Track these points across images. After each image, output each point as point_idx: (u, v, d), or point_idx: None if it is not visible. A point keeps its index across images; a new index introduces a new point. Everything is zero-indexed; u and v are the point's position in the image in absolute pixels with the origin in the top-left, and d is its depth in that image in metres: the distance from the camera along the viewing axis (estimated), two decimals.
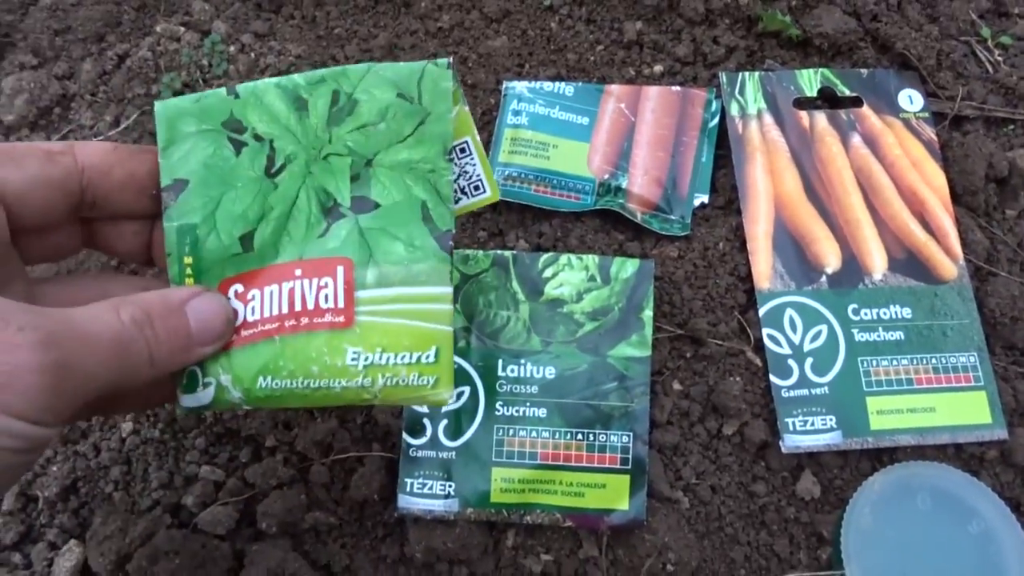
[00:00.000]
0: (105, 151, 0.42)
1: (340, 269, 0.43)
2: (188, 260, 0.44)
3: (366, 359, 0.42)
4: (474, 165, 0.47)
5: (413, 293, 0.43)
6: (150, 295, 0.39)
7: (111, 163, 0.42)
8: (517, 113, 0.67)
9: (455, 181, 0.46)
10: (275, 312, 0.42)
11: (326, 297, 0.43)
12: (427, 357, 0.43)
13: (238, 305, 0.43)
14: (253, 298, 0.43)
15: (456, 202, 0.46)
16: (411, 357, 0.43)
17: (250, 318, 0.43)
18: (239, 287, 0.43)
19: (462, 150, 0.47)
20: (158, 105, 0.45)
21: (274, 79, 0.46)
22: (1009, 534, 0.51)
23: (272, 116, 0.45)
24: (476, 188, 0.47)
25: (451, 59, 0.45)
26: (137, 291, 0.40)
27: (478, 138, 0.47)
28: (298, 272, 0.43)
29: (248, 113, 0.45)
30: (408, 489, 0.55)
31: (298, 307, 0.42)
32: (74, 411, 0.35)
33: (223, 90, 0.45)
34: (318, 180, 0.44)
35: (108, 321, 0.36)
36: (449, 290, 0.43)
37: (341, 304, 0.42)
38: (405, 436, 0.56)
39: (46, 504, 0.57)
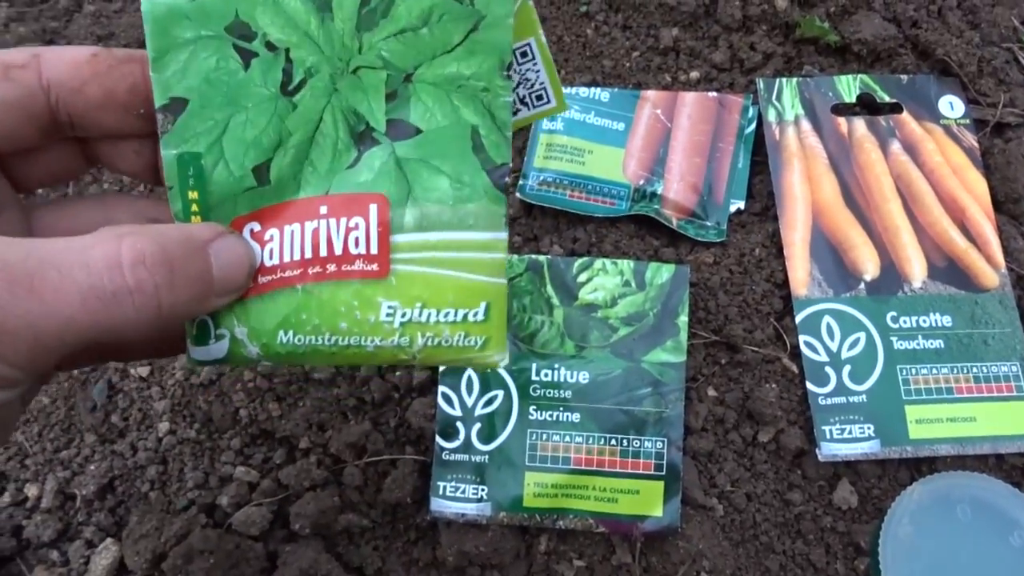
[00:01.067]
0: (77, 63, 0.35)
1: (373, 208, 0.36)
2: (193, 195, 0.37)
3: (403, 315, 0.37)
4: (537, 71, 0.40)
5: (460, 239, 0.37)
6: (169, 230, 0.33)
7: (84, 78, 0.35)
8: (552, 119, 0.67)
9: (515, 90, 0.39)
10: (297, 256, 0.36)
11: (356, 240, 0.36)
12: (475, 314, 0.37)
13: (254, 245, 0.37)
14: (271, 239, 0.37)
15: (515, 113, 0.40)
16: (456, 314, 0.37)
17: (268, 262, 0.36)
18: (255, 225, 0.37)
19: (523, 54, 0.39)
20: (144, 3, 0.36)
21: None
22: None
23: (288, 19, 0.37)
24: (539, 98, 0.40)
25: None
26: (144, 217, 0.37)
27: (543, 38, 0.39)
28: (323, 210, 0.37)
29: (258, 15, 0.36)
30: (441, 492, 0.55)
31: (324, 251, 0.36)
32: (51, 363, 0.31)
33: None
34: (346, 99, 0.37)
35: (102, 255, 0.30)
36: (503, 236, 0.37)
37: (374, 249, 0.36)
38: (438, 439, 0.56)
39: (83, 502, 0.58)
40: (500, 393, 0.56)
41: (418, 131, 0.37)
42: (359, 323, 0.36)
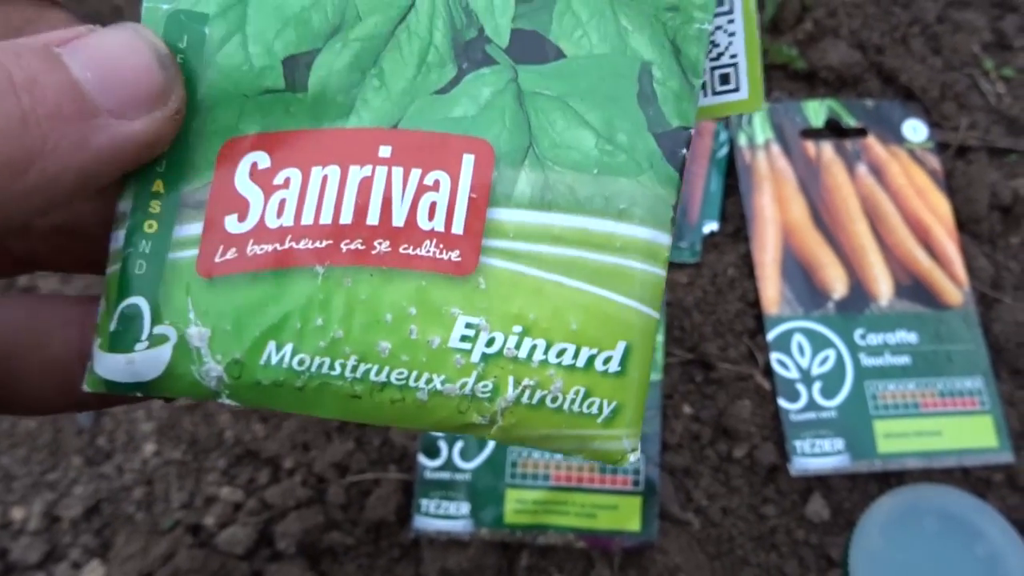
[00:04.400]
0: None
1: (468, 160, 0.23)
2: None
3: (490, 343, 0.22)
4: (732, 35, 0.26)
5: (603, 232, 0.23)
6: None
7: None
8: None
9: (706, 62, 0.26)
10: (327, 220, 0.22)
11: (432, 209, 0.22)
12: (608, 361, 0.23)
13: (253, 191, 0.22)
14: (286, 183, 0.22)
15: (704, 94, 0.27)
16: (578, 355, 0.22)
17: (272, 222, 0.22)
18: (261, 157, 0.22)
19: (724, 6, 0.26)
20: None
21: None
22: (1015, 557, 0.52)
23: None
24: (724, 80, 0.26)
25: None
26: None
27: None
28: (385, 152, 0.22)
29: None
30: (424, 510, 0.56)
31: (374, 219, 0.22)
32: None
33: None
34: None
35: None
36: (668, 241, 0.23)
37: (458, 228, 0.22)
38: (421, 458, 0.57)
39: (70, 524, 0.58)
40: None
41: (560, 54, 0.23)
42: (413, 346, 0.22)
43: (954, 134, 0.68)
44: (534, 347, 0.22)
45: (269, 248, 0.22)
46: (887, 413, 0.59)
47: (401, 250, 0.22)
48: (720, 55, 0.26)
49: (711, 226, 0.66)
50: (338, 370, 0.22)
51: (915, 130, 0.68)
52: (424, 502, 0.56)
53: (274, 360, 0.22)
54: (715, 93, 0.26)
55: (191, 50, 0.22)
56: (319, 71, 0.22)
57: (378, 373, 0.22)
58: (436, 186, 0.22)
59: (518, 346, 0.22)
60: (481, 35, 0.23)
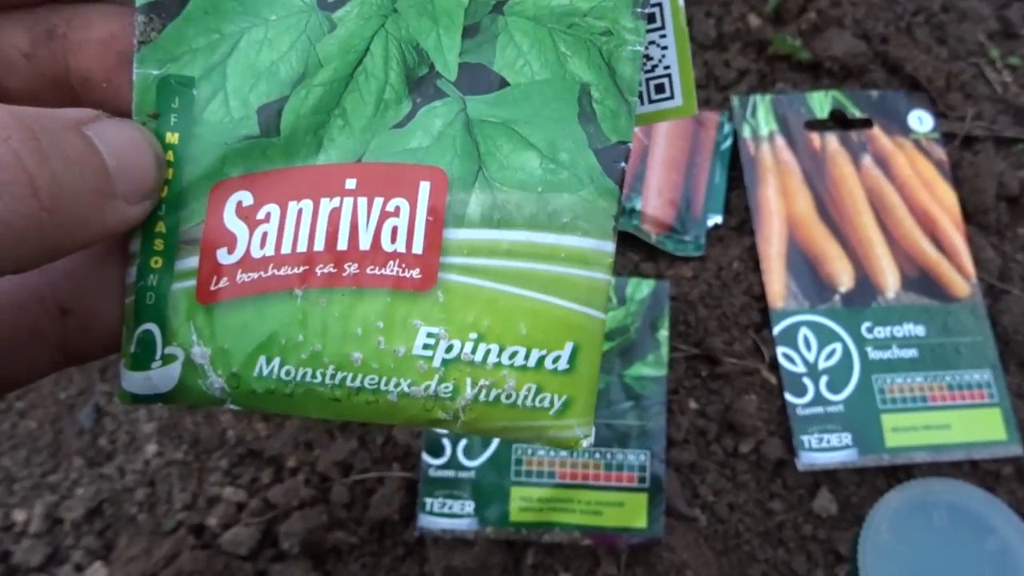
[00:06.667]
0: None
1: (424, 187, 0.25)
2: (172, 138, 0.25)
3: (449, 349, 0.25)
4: (665, 48, 0.28)
5: (548, 244, 0.25)
6: (21, 108, 0.21)
7: None
8: None
9: (641, 74, 0.28)
10: (303, 248, 0.25)
11: (395, 232, 0.25)
12: (556, 360, 0.25)
13: (239, 226, 0.25)
14: (267, 218, 0.25)
15: (641, 103, 0.29)
16: (528, 356, 0.25)
17: (256, 253, 0.25)
18: (245, 197, 0.26)
19: (650, 16, 0.28)
20: None
21: None
22: None
23: None
24: (660, 89, 0.28)
25: None
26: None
27: (682, 1, 0.28)
28: (351, 184, 0.26)
29: None
30: (428, 509, 0.55)
31: (343, 244, 0.25)
32: None
33: None
34: (407, 26, 0.26)
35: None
36: (610, 248, 0.26)
37: (418, 248, 0.25)
38: (425, 456, 0.57)
39: (72, 526, 0.58)
40: None
41: (503, 83, 0.26)
42: (382, 355, 0.25)
43: (960, 124, 0.68)
44: (488, 351, 0.25)
45: (255, 276, 0.25)
46: (895, 407, 0.58)
47: (368, 271, 0.25)
48: (655, 67, 0.28)
49: (715, 219, 0.65)
50: (319, 378, 0.25)
51: (921, 121, 0.67)
52: (428, 501, 0.56)
53: (265, 372, 0.25)
54: (651, 102, 0.29)
55: (182, 109, 0.25)
56: (288, 116, 0.26)
57: (353, 380, 0.25)
58: (397, 212, 0.25)
59: (474, 351, 0.25)
60: (432, 71, 0.26)
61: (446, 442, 0.57)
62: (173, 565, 0.54)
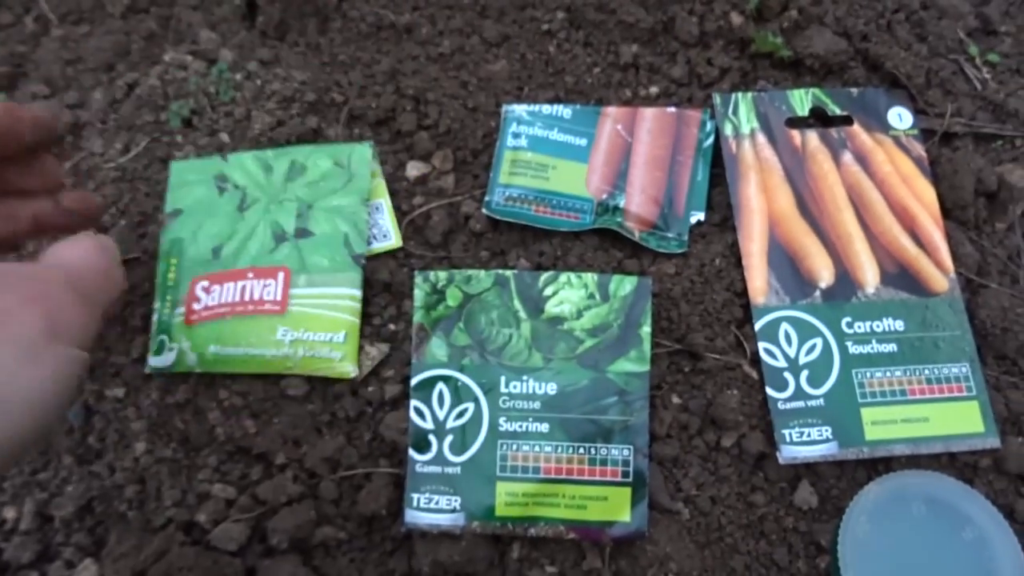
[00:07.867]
0: None
1: (281, 274, 0.61)
2: (173, 260, 0.63)
3: (292, 336, 0.59)
4: (385, 220, 0.65)
5: (332, 292, 0.60)
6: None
7: None
8: (517, 135, 0.68)
9: (370, 231, 0.64)
10: (229, 299, 0.60)
11: (268, 292, 0.60)
12: (337, 338, 0.59)
13: (203, 295, 0.61)
14: (216, 289, 0.61)
15: (369, 244, 0.63)
16: (325, 336, 0.59)
17: (210, 303, 0.61)
18: (205, 282, 0.62)
19: (377, 208, 0.65)
20: (173, 164, 0.67)
21: (252, 151, 0.66)
22: (1002, 541, 0.52)
23: (248, 174, 0.65)
24: (384, 236, 0.65)
25: (372, 143, 0.67)
26: None
27: (390, 202, 0.66)
28: (250, 275, 0.61)
29: (232, 171, 0.66)
30: (415, 504, 0.56)
31: (247, 297, 0.60)
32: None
33: (218, 155, 0.66)
34: (274, 216, 0.63)
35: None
36: (358, 292, 0.61)
37: (279, 297, 0.60)
38: (411, 452, 0.57)
39: (62, 523, 0.58)
40: (471, 406, 0.58)
41: (312, 234, 0.63)
42: (263, 340, 0.59)
43: (939, 121, 0.68)
44: (309, 335, 0.59)
45: (211, 312, 0.61)
46: (874, 400, 0.59)
47: (258, 308, 0.60)
48: (383, 228, 0.65)
49: (698, 216, 0.66)
50: (236, 353, 0.60)
51: (900, 117, 0.68)
52: (415, 496, 0.56)
53: (213, 352, 0.60)
54: (381, 241, 0.64)
55: (178, 249, 0.64)
56: (225, 250, 0.63)
57: (252, 350, 0.59)
58: (270, 284, 0.61)
59: (303, 335, 0.59)
60: (284, 232, 0.64)
61: (432, 438, 0.57)
62: (163, 561, 0.54)
